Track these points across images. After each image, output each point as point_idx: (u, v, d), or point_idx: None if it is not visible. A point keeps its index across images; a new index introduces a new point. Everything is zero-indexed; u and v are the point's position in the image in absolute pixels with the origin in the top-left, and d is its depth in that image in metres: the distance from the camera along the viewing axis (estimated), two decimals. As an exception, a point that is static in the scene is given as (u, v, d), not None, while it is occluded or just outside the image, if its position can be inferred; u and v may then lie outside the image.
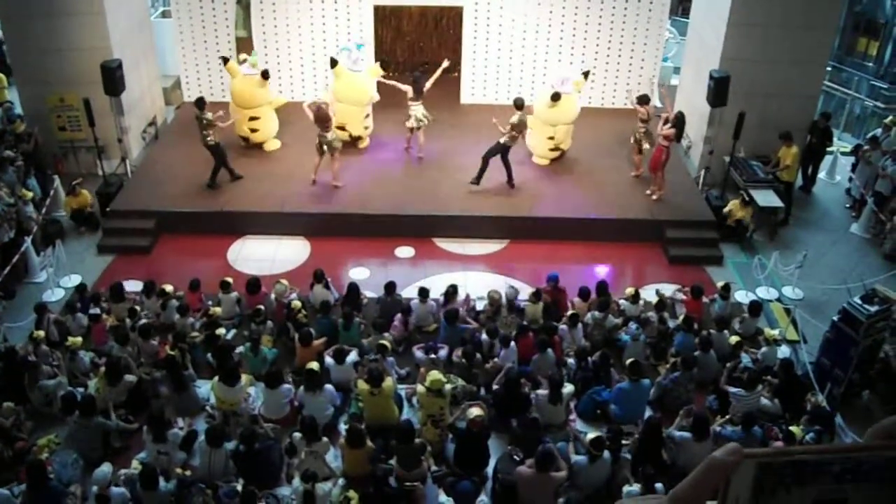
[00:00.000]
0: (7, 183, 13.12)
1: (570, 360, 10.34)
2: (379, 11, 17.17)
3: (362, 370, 9.70)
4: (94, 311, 11.11)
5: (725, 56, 14.45)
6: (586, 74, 14.94)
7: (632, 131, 14.48)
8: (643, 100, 14.28)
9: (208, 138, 13.68)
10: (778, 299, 12.55)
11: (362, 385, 9.30)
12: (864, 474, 1.15)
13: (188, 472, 8.57)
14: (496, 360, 10.16)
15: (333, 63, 14.78)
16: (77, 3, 14.16)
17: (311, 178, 14.05)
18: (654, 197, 14.06)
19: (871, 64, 20.41)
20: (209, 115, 13.54)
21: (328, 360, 10.07)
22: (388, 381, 9.41)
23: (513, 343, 10.28)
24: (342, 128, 14.61)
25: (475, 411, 8.83)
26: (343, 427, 9.35)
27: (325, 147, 13.65)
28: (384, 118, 15.78)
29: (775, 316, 12.08)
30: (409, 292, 11.86)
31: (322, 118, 13.53)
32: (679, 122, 13.62)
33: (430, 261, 13.29)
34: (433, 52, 19.09)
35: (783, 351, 11.03)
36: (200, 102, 13.76)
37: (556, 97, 14.25)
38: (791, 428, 9.14)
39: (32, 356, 10.03)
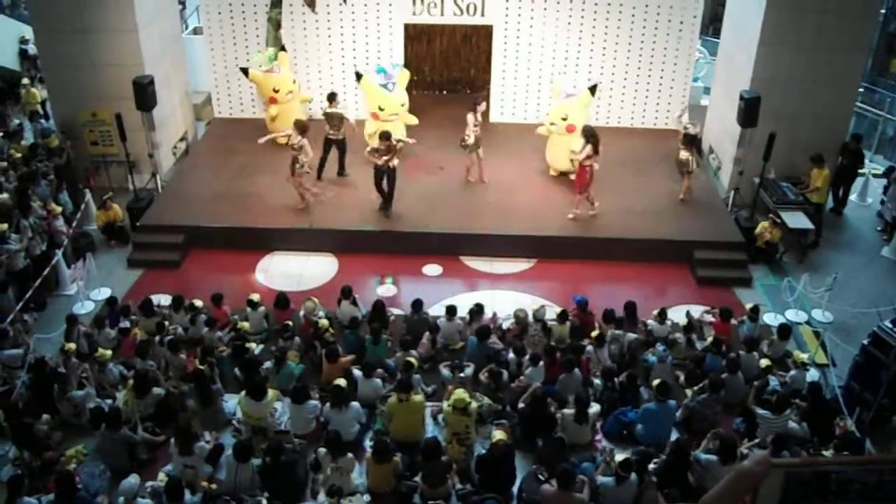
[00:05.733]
0: (39, 196, 13.32)
1: (597, 381, 10.29)
2: (409, 29, 17.26)
3: (390, 387, 9.74)
4: (124, 324, 11.20)
5: (756, 76, 14.39)
6: (593, 89, 14.75)
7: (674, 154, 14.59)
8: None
9: (331, 133, 14.78)
10: (807, 322, 12.40)
11: (392, 397, 9.36)
12: (887, 493, 1.14)
13: (214, 486, 8.60)
14: (522, 378, 10.13)
15: (359, 77, 15.37)
16: (111, 20, 14.39)
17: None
18: (570, 216, 13.97)
19: (903, 85, 20.28)
20: (330, 110, 14.65)
21: (356, 372, 10.12)
22: (419, 396, 9.48)
23: (540, 362, 10.25)
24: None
25: (498, 434, 8.78)
26: (368, 444, 9.36)
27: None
28: (414, 136, 15.84)
29: (804, 339, 11.95)
30: (436, 310, 11.88)
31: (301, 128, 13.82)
32: (589, 135, 13.47)
33: (457, 279, 13.28)
34: (463, 69, 19.18)
35: (812, 374, 10.88)
36: (331, 96, 14.88)
37: (593, 89, 14.63)
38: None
39: (62, 367, 10.14)
